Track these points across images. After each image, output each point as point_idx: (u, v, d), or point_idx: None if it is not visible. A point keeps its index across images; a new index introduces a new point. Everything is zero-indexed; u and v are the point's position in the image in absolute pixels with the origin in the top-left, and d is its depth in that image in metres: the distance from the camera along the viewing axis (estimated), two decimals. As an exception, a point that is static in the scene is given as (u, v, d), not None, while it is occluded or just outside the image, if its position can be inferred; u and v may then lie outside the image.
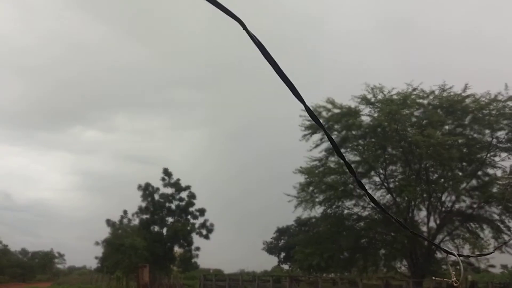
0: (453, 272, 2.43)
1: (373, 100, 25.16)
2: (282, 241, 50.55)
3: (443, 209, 25.51)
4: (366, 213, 27.46)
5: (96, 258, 38.87)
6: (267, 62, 1.43)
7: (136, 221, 37.43)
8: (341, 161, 22.43)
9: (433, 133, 22.29)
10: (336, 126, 25.67)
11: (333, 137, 25.49)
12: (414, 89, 24.74)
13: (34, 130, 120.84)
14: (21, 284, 43.58)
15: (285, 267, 48.12)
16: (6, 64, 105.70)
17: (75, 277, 57.42)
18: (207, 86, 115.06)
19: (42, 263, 65.55)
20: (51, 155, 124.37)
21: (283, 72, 1.44)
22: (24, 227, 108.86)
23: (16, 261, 58.67)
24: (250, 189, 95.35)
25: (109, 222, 37.07)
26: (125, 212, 37.75)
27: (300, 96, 1.48)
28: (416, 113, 24.93)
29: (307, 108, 1.52)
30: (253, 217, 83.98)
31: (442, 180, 25.09)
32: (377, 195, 26.97)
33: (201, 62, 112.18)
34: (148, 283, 3.70)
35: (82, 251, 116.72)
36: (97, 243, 36.46)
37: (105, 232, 37.40)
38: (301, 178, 26.70)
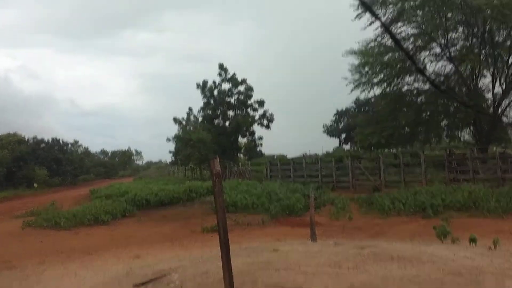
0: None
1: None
2: (342, 123, 51.24)
3: (510, 72, 24.28)
4: (427, 86, 26.86)
5: (170, 152, 42.16)
6: None
7: (200, 118, 39.37)
8: (398, 36, 21.62)
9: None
10: (390, -1, 24.11)
11: (389, 11, 24.13)
12: None
13: (90, 38, 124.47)
14: (107, 180, 48.48)
15: (347, 147, 49.35)
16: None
17: (153, 170, 62.71)
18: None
19: (122, 161, 71.77)
20: (111, 62, 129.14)
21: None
22: (99, 131, 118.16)
23: (98, 161, 64.23)
24: (306, 76, 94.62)
25: (176, 120, 39.29)
26: (190, 109, 39.59)
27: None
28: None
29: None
30: (312, 103, 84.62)
31: (509, 42, 23.47)
32: (438, 66, 26.10)
33: None
34: (220, 172, 4.13)
35: (156, 147, 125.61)
36: (168, 140, 39.24)
37: (174, 129, 39.92)
38: (355, 61, 26.15)
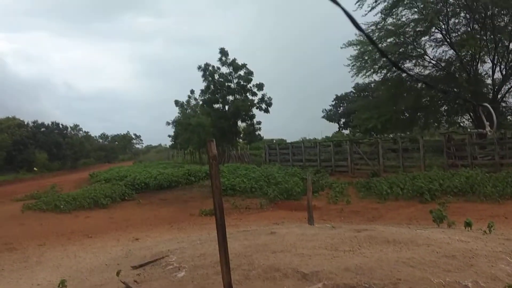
0: (487, 122, 2.72)
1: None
2: (341, 108, 51.16)
3: (511, 57, 24.19)
4: (427, 72, 26.81)
5: (169, 136, 42.27)
6: None
7: (200, 102, 39.34)
8: (399, 21, 21.60)
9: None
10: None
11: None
12: None
13: (87, 22, 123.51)
14: (107, 164, 48.52)
15: (346, 132, 49.34)
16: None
17: (153, 154, 62.74)
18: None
19: (122, 145, 71.79)
20: (109, 46, 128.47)
21: None
22: (98, 115, 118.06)
23: (98, 145, 64.18)
24: (307, 60, 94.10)
25: (177, 103, 39.29)
26: (192, 91, 39.54)
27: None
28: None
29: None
30: (312, 89, 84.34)
31: (510, 27, 23.29)
32: (438, 51, 25.99)
33: None
34: (217, 155, 4.20)
35: (156, 131, 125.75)
36: (167, 124, 39.27)
37: (173, 112, 39.92)
38: (354, 52, 26.36)
